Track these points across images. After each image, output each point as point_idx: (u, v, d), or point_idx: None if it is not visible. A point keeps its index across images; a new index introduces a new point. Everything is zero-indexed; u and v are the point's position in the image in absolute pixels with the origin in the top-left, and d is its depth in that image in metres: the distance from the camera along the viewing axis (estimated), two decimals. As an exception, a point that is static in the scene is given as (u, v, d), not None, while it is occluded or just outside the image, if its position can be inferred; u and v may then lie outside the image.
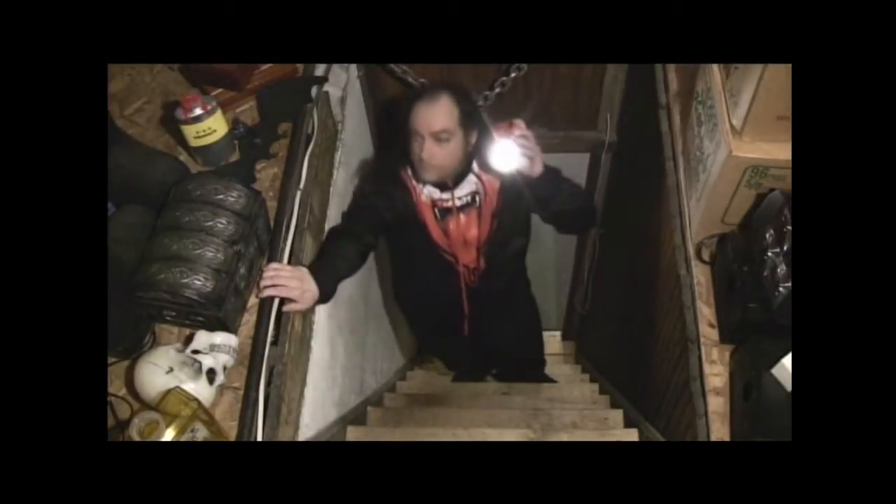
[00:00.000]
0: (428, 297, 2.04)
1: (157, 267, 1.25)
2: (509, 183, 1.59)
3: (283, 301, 1.37)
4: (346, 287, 2.05)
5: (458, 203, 1.64)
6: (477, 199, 1.64)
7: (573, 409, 2.37)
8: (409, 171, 1.62)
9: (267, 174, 1.59)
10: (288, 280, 1.35)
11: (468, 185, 1.62)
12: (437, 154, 1.51)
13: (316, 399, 1.65)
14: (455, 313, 1.94)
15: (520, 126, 1.44)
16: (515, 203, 1.64)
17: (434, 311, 2.12)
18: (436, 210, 1.65)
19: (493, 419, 2.25)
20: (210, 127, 1.51)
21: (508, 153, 1.45)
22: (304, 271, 1.40)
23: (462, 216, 1.66)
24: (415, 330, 2.63)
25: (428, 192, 1.63)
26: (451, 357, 2.91)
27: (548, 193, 1.57)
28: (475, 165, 1.60)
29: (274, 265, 1.37)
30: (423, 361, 3.45)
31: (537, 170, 1.50)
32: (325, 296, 1.45)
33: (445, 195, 1.63)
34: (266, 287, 1.34)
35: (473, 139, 1.56)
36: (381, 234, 1.70)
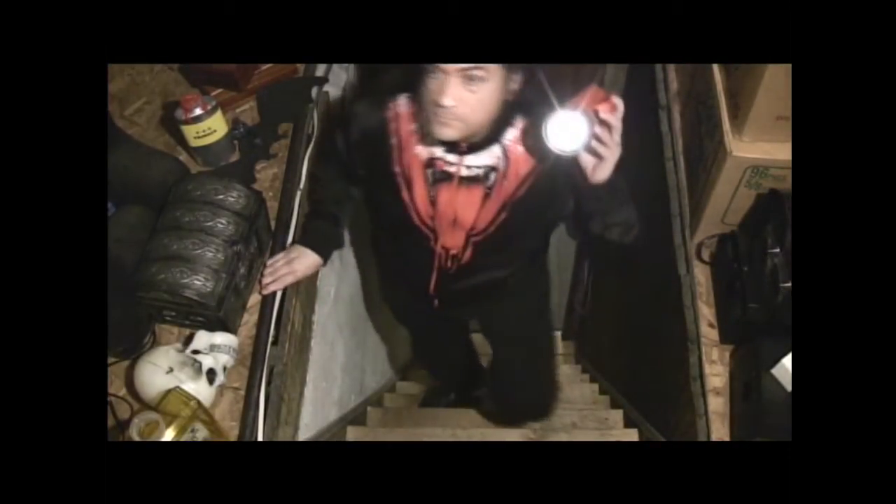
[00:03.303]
0: (397, 266, 1.56)
1: (157, 267, 1.25)
2: (546, 171, 1.16)
3: (283, 299, 1.38)
4: (347, 287, 2.05)
5: (464, 172, 1.19)
6: (492, 176, 1.19)
7: (573, 409, 2.37)
8: (401, 106, 1.20)
9: (267, 174, 1.59)
10: (284, 269, 1.37)
11: (487, 156, 1.17)
12: (464, 100, 1.05)
13: (316, 399, 1.65)
14: (421, 292, 1.45)
15: (613, 107, 0.99)
16: (543, 200, 1.21)
17: (403, 282, 1.60)
18: (429, 170, 1.21)
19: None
20: (210, 127, 1.51)
21: (573, 132, 0.98)
22: (297, 248, 1.40)
23: (463, 190, 1.21)
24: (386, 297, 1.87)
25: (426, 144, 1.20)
26: (425, 338, 2.11)
27: (596, 209, 1.15)
28: (509, 132, 1.16)
29: (269, 261, 1.39)
30: (411, 371, 3.05)
31: (601, 176, 1.04)
32: (331, 249, 1.43)
33: (451, 156, 1.18)
34: (267, 284, 1.36)
35: (515, 85, 1.09)
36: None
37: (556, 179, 1.15)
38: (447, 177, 1.21)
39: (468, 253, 1.31)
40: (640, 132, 1.89)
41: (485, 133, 1.14)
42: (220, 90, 1.67)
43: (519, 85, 1.09)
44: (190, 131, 1.50)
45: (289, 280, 1.37)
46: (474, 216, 1.24)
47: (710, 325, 1.46)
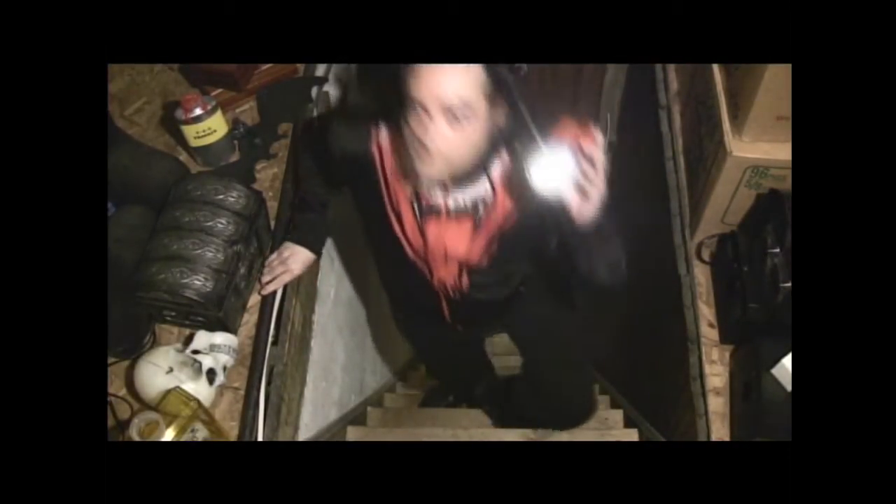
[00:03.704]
0: (408, 296, 1.53)
1: (157, 267, 1.25)
2: (533, 205, 1.07)
3: (283, 299, 1.38)
4: (347, 288, 2.05)
5: (451, 205, 1.15)
6: (480, 208, 1.15)
7: (573, 409, 2.36)
8: (383, 139, 1.16)
9: (267, 174, 1.59)
10: (279, 268, 1.38)
11: (473, 188, 1.13)
12: (448, 140, 1.00)
13: (316, 399, 1.65)
14: (439, 320, 1.44)
15: (593, 139, 0.93)
16: (532, 231, 1.16)
17: (418, 312, 1.56)
18: (415, 204, 1.17)
19: (493, 419, 2.25)
20: (210, 127, 1.51)
21: (555, 170, 0.93)
22: (288, 246, 1.40)
23: (452, 224, 1.17)
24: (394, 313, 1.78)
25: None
26: (438, 359, 2.08)
27: (581, 244, 1.07)
28: (495, 164, 1.11)
29: (266, 262, 1.40)
30: (410, 373, 3.02)
31: (585, 214, 0.97)
32: (322, 241, 1.45)
33: (437, 190, 1.14)
34: (266, 284, 1.37)
35: (500, 121, 1.05)
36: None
37: (542, 216, 1.09)
38: (434, 211, 1.17)
39: (464, 282, 1.29)
40: (640, 132, 1.89)
41: (471, 166, 1.09)
42: (220, 90, 1.67)
43: (504, 118, 1.05)
44: (190, 131, 1.50)
45: (286, 279, 1.38)
46: (465, 249, 1.21)
47: (710, 325, 1.46)
